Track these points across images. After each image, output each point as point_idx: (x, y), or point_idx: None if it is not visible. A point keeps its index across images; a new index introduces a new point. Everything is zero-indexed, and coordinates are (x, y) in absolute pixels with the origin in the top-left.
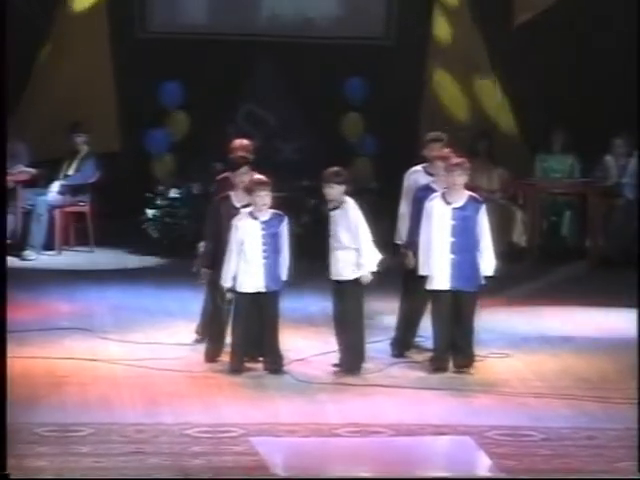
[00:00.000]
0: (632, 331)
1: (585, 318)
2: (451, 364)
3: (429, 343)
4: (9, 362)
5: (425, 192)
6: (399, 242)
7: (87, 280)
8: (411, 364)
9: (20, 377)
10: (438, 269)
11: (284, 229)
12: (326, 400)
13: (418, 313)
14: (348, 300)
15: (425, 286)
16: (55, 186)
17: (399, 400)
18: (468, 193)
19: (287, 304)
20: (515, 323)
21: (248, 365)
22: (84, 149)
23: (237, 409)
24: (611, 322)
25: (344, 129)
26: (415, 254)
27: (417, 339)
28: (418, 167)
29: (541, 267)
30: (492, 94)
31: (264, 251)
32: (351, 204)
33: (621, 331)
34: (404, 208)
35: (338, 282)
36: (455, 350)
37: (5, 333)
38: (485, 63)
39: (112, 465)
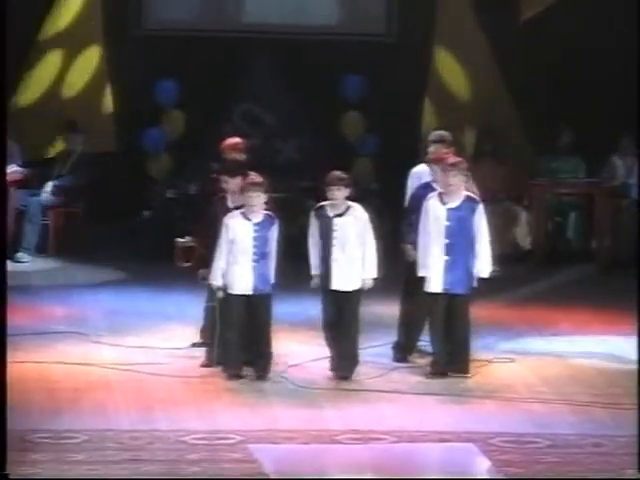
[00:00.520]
0: None
1: (592, 321)
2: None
3: (428, 348)
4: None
5: (425, 190)
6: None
7: (82, 283)
8: (413, 369)
9: (12, 382)
10: (434, 271)
11: (275, 231)
12: (326, 406)
13: (419, 316)
14: (348, 309)
15: (423, 288)
16: (49, 187)
17: (401, 406)
18: (465, 193)
19: (285, 308)
20: (520, 326)
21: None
22: (78, 149)
23: (234, 415)
24: (619, 325)
25: (344, 128)
26: (415, 248)
27: (420, 343)
28: (422, 165)
29: (546, 269)
30: (496, 92)
31: (254, 253)
32: (359, 210)
33: (629, 335)
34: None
35: (336, 291)
36: (451, 354)
37: (5, 335)
38: (489, 61)
39: (107, 473)
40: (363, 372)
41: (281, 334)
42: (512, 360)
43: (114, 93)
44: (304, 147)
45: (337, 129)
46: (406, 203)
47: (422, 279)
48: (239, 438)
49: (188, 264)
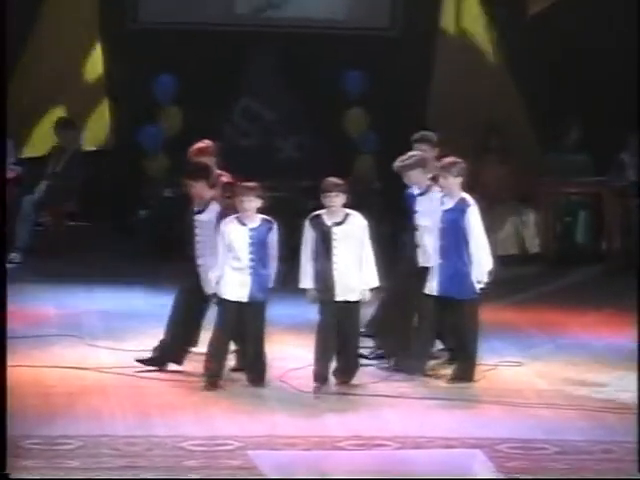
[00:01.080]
0: None
1: (601, 324)
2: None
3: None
4: None
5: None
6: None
7: (76, 285)
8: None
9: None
10: (430, 273)
11: (273, 236)
12: (328, 411)
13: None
14: (349, 319)
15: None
16: (42, 185)
17: (405, 411)
18: (460, 195)
19: (284, 310)
20: (528, 330)
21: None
22: (72, 146)
23: (234, 421)
24: (629, 328)
25: (346, 125)
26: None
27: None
28: None
29: (555, 271)
30: (501, 87)
31: (251, 259)
32: (357, 218)
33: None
34: None
35: (338, 302)
36: (455, 361)
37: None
38: (495, 55)
39: None
40: (366, 376)
41: (281, 337)
42: (520, 364)
43: (110, 89)
44: (305, 145)
45: (339, 126)
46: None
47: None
48: (238, 444)
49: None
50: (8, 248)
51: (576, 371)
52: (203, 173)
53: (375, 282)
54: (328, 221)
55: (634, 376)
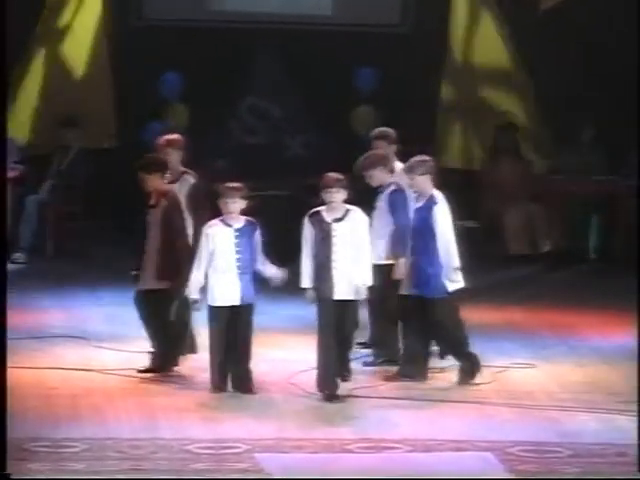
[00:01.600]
0: None
1: (614, 325)
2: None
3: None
4: None
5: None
6: None
7: (80, 285)
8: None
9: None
10: (405, 273)
11: (258, 237)
12: (336, 413)
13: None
14: (348, 318)
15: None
16: (46, 184)
17: (415, 413)
18: (431, 192)
19: (290, 311)
20: (539, 331)
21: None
22: (77, 145)
23: (241, 423)
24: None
25: (355, 123)
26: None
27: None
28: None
29: (566, 270)
30: (514, 85)
31: (238, 260)
32: (358, 214)
33: None
34: None
35: (337, 300)
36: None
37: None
38: (507, 52)
39: None
40: (375, 378)
41: (292, 338)
42: (532, 366)
43: (115, 86)
44: (312, 143)
45: (347, 124)
46: None
47: None
48: (245, 447)
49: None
50: (12, 248)
51: (587, 373)
52: (157, 166)
53: (370, 280)
54: (328, 217)
55: None
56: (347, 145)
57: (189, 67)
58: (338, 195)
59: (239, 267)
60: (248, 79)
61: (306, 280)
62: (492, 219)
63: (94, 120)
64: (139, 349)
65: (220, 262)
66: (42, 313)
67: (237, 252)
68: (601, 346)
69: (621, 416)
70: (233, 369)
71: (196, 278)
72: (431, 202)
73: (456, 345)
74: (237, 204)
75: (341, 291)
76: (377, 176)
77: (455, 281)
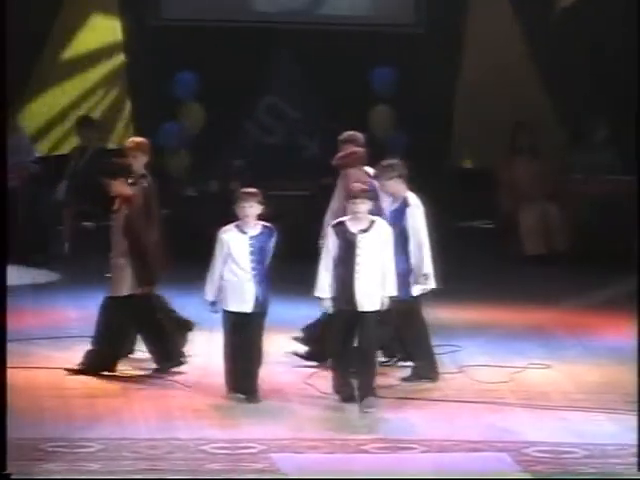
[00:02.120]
0: None
1: (631, 326)
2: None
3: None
4: (13, 373)
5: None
6: None
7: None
8: (444, 375)
9: (24, 389)
10: None
11: (272, 244)
12: (352, 414)
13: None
14: (367, 330)
15: None
16: (63, 185)
17: (431, 414)
18: (404, 195)
19: (307, 311)
20: (555, 331)
21: None
22: (93, 145)
23: (257, 423)
24: None
25: (372, 123)
26: None
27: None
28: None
29: (581, 270)
30: (527, 83)
31: (253, 268)
32: (383, 225)
33: None
34: None
35: (357, 311)
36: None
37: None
38: (523, 52)
39: None
40: (391, 378)
41: None
42: (548, 366)
43: (131, 86)
44: (330, 143)
45: (365, 124)
46: None
47: None
48: (261, 447)
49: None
50: (28, 249)
51: (604, 373)
52: (121, 171)
53: (394, 291)
54: (353, 228)
55: None
56: (364, 145)
57: (206, 66)
58: (363, 206)
59: (253, 274)
60: (265, 79)
61: (323, 290)
62: (508, 219)
63: (110, 120)
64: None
65: (234, 268)
66: (59, 313)
67: (252, 260)
68: (617, 346)
69: (637, 417)
70: (241, 374)
71: (211, 280)
72: (404, 205)
73: (416, 348)
74: (253, 209)
75: (362, 302)
76: (352, 175)
77: (423, 285)
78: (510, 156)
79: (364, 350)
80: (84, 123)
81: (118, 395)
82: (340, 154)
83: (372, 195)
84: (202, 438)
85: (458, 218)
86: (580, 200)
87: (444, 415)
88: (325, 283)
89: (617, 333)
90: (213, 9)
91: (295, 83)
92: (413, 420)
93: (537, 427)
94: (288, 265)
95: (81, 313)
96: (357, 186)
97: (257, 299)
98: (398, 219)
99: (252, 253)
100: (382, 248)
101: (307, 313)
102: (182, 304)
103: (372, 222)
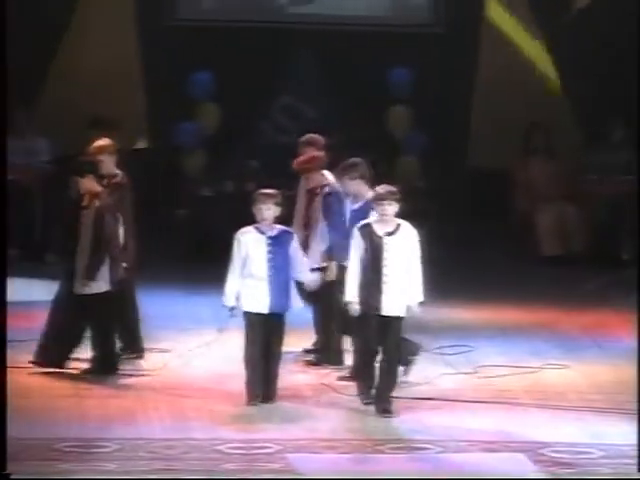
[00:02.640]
0: None
1: None
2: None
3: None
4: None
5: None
6: None
7: None
8: (458, 376)
9: (38, 389)
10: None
11: (295, 248)
12: (368, 414)
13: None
14: (392, 335)
15: None
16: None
17: (447, 414)
18: (367, 195)
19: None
20: (572, 331)
21: None
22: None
23: (273, 423)
24: None
25: (389, 124)
26: None
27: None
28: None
29: (598, 270)
30: (546, 85)
31: (269, 269)
32: (409, 229)
33: None
34: None
35: (382, 316)
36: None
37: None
38: (540, 53)
39: None
40: (408, 378)
41: None
42: (564, 366)
43: (147, 86)
44: (347, 143)
45: (382, 124)
46: None
47: None
48: (278, 447)
49: None
50: (43, 248)
51: (620, 374)
52: (89, 169)
53: (421, 297)
54: (379, 231)
55: None
56: (381, 146)
57: (222, 66)
58: (390, 208)
59: (270, 275)
60: (281, 79)
61: (352, 293)
62: (524, 219)
63: (125, 120)
64: (170, 348)
65: (252, 269)
66: None
67: (269, 260)
68: (634, 347)
69: (637, 417)
70: (261, 381)
71: (231, 284)
72: (368, 205)
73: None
74: (271, 211)
75: (389, 307)
76: (313, 178)
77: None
78: (525, 156)
79: (387, 356)
80: (98, 123)
81: (133, 394)
82: (301, 159)
83: (400, 197)
84: (218, 438)
85: (474, 218)
86: (596, 201)
87: (460, 415)
88: (353, 287)
89: (633, 334)
90: (229, 9)
91: (311, 83)
92: (429, 420)
93: (553, 427)
94: None
95: None
96: (384, 187)
97: (273, 301)
98: (359, 220)
99: (270, 253)
100: (409, 252)
101: None
102: (197, 303)
103: (398, 225)
